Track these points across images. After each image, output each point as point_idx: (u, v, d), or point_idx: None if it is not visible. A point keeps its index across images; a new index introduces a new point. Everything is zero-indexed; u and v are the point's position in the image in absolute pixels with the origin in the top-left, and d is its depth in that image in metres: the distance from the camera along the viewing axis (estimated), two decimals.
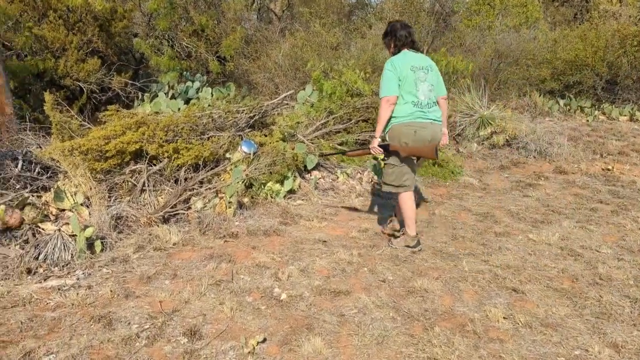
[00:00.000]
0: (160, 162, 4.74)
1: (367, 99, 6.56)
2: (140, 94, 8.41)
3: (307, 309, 2.97)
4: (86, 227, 3.74)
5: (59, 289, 3.13)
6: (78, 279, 3.30)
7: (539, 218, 4.77)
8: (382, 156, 4.02)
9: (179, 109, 7.62)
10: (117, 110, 5.19)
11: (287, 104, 6.52)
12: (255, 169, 4.82)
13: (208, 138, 5.17)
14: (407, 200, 3.85)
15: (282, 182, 4.92)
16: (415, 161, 3.93)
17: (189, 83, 8.79)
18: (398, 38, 3.68)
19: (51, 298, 3.01)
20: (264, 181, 4.89)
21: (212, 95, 8.47)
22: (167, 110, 7.63)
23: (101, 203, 4.30)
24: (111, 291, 3.10)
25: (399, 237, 3.98)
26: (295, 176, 5.06)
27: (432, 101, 3.66)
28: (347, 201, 5.07)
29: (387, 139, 3.75)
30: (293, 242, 3.95)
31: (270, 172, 4.84)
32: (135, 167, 4.60)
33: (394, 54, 3.72)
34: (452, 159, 6.49)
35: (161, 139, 4.74)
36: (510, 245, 4.06)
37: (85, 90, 7.64)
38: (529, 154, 7.21)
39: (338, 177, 5.53)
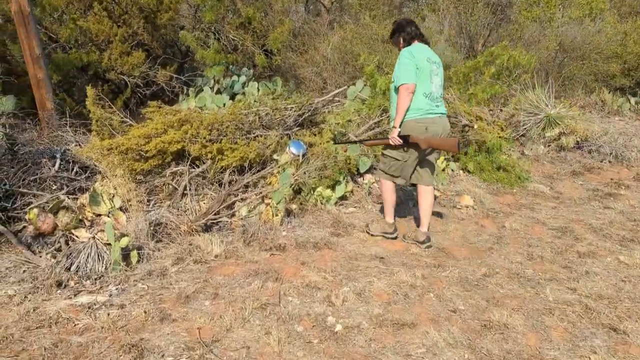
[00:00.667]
0: (204, 163, 4.40)
1: None
2: (185, 88, 8.15)
3: (367, 344, 2.54)
4: (122, 235, 3.44)
5: (89, 308, 2.81)
6: (110, 295, 2.98)
7: (627, 235, 4.17)
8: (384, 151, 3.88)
9: (224, 104, 7.33)
10: (159, 107, 4.89)
11: (338, 101, 6.08)
12: (305, 172, 4.42)
13: (254, 138, 4.80)
14: (392, 188, 3.92)
15: (333, 187, 4.50)
16: (434, 156, 3.93)
17: (234, 77, 8.48)
18: (407, 32, 3.69)
19: (80, 318, 2.69)
20: (313, 186, 4.48)
21: (259, 91, 8.14)
22: (212, 106, 7.36)
23: (140, 207, 3.99)
24: (145, 312, 2.76)
25: (421, 241, 3.90)
26: (347, 180, 4.62)
27: (441, 96, 3.71)
28: (404, 209, 4.60)
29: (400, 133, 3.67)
30: (346, 258, 3.52)
31: (321, 177, 4.42)
32: (176, 168, 4.27)
33: (404, 47, 3.68)
34: (517, 162, 5.91)
35: (204, 138, 4.41)
36: (598, 269, 3.50)
37: (129, 84, 7.43)
38: (604, 158, 6.53)
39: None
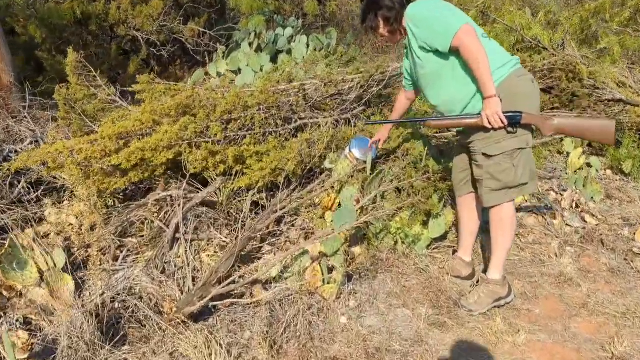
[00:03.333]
0: (213, 179, 2.72)
1: (552, 57, 4.04)
2: (219, 46, 6.41)
3: None
4: (49, 342, 1.86)
5: None
6: None
7: None
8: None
9: (261, 67, 5.62)
10: (151, 82, 3.20)
11: None
12: (377, 195, 2.65)
13: (295, 131, 3.08)
14: (514, 213, 2.29)
15: (424, 221, 2.71)
16: None
17: (279, 30, 6.65)
18: (388, 7, 2.17)
19: None
20: (389, 212, 2.71)
21: (308, 46, 6.32)
22: (247, 70, 5.67)
23: (102, 263, 2.40)
24: None
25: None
26: (445, 205, 2.80)
27: None
28: (544, 256, 2.75)
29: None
30: None
31: (403, 203, 2.64)
32: (164, 193, 2.61)
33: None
34: None
35: (214, 135, 2.71)
36: None
37: (142, 42, 5.78)
38: None
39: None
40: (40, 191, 2.88)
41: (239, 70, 5.72)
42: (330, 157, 2.96)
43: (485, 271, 2.39)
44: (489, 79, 1.97)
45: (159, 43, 5.91)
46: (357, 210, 2.47)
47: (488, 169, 2.12)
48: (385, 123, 2.80)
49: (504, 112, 1.98)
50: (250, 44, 6.38)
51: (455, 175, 2.44)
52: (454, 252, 2.65)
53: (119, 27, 5.82)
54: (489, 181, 2.14)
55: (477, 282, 2.49)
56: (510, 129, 2.03)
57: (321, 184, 2.87)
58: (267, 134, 3.01)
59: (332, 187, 2.77)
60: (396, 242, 2.70)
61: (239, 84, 5.39)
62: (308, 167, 2.91)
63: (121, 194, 2.88)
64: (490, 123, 2.01)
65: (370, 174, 2.74)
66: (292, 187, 2.86)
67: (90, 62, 5.90)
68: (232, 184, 2.63)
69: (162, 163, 2.62)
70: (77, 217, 2.70)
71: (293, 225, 2.72)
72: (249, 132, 2.91)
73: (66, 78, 4.25)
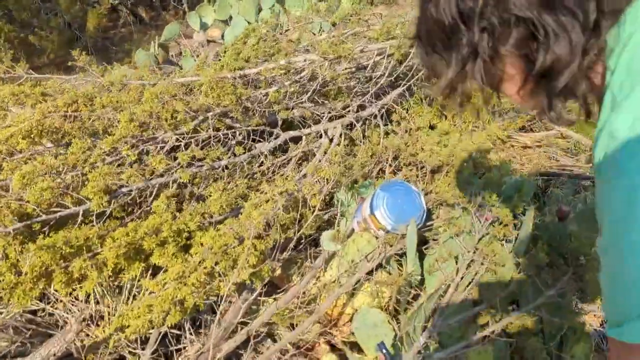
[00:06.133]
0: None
1: None
2: None
3: None
4: None
5: None
6: None
7: None
8: None
9: (258, 15, 4.15)
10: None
11: None
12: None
13: (274, 152, 1.62)
14: None
15: None
16: None
17: None
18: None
19: None
20: None
21: None
22: (238, 19, 4.22)
23: None
24: None
25: None
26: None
27: None
28: None
29: None
30: None
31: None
32: None
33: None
34: None
35: (90, 200, 1.28)
36: None
37: None
38: None
39: None
40: None
41: (230, 19, 4.20)
42: (340, 219, 1.50)
43: None
44: None
45: None
46: None
47: None
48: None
49: None
50: None
51: None
52: None
53: None
54: None
55: None
56: None
57: (313, 279, 1.43)
58: (215, 175, 1.55)
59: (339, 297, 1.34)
60: None
61: (229, 40, 3.88)
62: (293, 240, 1.46)
63: None
64: None
65: (422, 278, 1.28)
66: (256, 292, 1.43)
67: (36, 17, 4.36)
68: (106, 327, 1.20)
69: None
70: None
71: None
72: (176, 174, 1.47)
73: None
